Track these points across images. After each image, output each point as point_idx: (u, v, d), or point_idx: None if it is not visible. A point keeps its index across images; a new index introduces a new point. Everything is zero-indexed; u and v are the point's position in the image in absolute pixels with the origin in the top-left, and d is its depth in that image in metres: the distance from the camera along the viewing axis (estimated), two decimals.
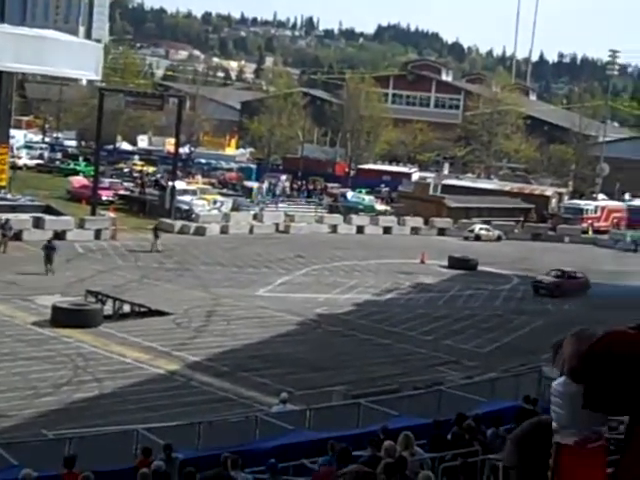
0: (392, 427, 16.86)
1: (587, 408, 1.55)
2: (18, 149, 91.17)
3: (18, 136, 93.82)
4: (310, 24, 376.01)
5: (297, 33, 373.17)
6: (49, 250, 44.03)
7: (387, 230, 69.72)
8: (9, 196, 59.22)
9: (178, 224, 57.81)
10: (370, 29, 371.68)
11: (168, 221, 57.68)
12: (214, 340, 33.79)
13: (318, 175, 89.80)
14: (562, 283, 49.08)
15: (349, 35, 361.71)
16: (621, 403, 1.56)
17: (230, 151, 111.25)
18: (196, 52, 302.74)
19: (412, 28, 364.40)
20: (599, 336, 1.50)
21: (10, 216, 51.02)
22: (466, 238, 67.43)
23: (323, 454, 16.06)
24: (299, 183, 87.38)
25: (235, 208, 68.16)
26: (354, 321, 38.69)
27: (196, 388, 28.02)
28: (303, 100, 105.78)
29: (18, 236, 49.55)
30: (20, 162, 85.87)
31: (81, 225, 54.92)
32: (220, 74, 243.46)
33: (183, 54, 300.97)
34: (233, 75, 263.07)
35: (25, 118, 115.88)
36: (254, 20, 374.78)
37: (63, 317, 33.79)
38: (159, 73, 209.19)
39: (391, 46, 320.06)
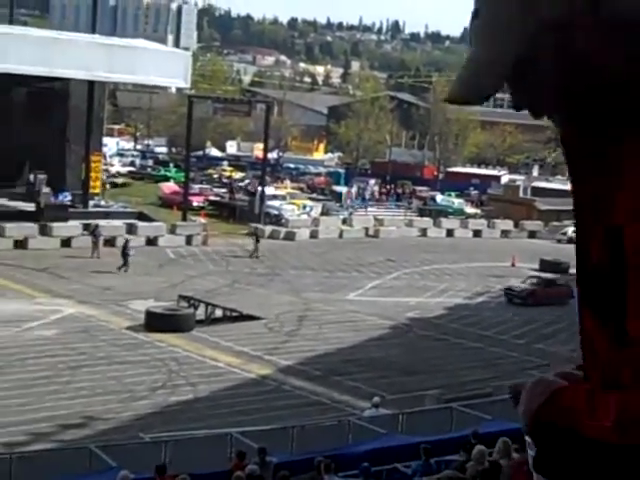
0: (483, 431, 16.78)
1: (537, 472, 1.44)
2: (111, 157, 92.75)
3: (110, 144, 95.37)
4: (396, 28, 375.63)
5: (383, 37, 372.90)
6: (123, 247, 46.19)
7: (477, 233, 69.31)
8: (103, 203, 60.25)
9: (268, 229, 58.18)
10: (456, 32, 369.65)
11: (258, 226, 58.05)
12: (306, 344, 33.93)
13: (406, 179, 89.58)
14: (536, 291, 45.47)
15: (435, 38, 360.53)
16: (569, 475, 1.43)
17: (318, 156, 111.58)
18: (283, 58, 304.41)
19: None
20: (547, 396, 1.38)
21: (103, 222, 51.92)
22: (559, 241, 66.63)
23: (416, 458, 16.09)
24: (388, 187, 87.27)
25: (324, 213, 68.35)
26: (445, 325, 38.55)
27: (288, 392, 28.17)
28: (390, 104, 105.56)
29: (112, 242, 50.31)
30: (112, 169, 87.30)
31: (172, 231, 55.63)
32: (307, 79, 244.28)
33: (270, 60, 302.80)
34: (320, 80, 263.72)
35: (117, 126, 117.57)
36: (340, 25, 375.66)
37: (156, 322, 34.28)
38: (246, 79, 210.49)
39: None
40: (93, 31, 65.48)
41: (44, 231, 51.37)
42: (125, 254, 46.34)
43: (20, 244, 49.90)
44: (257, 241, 52.24)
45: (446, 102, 1.35)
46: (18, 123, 61.82)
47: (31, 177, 59.80)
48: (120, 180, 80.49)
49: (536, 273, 49.81)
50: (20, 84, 59.57)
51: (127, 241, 48.45)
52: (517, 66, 1.20)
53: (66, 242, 50.80)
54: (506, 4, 1.21)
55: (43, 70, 51.81)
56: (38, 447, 21.92)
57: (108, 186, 66.10)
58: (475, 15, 1.24)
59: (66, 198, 58.21)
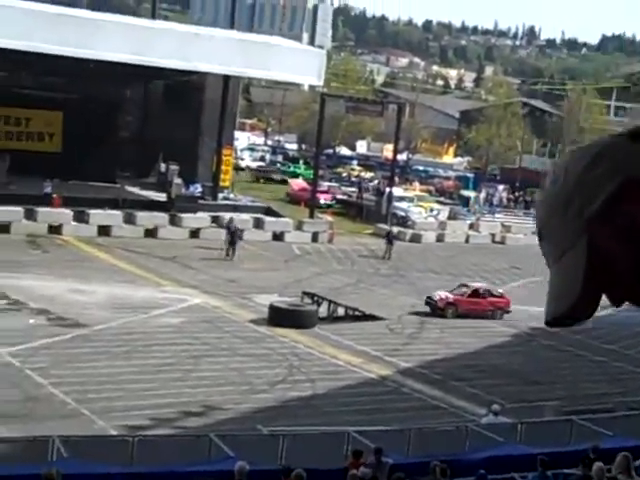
0: (603, 447, 16.52)
1: None
2: (241, 151, 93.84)
3: (242, 139, 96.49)
4: (532, 33, 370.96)
5: (518, 42, 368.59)
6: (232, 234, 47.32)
7: None
8: (232, 196, 61.07)
9: (394, 230, 58.13)
10: (594, 39, 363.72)
11: (384, 227, 58.09)
12: (427, 347, 33.89)
13: (536, 186, 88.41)
14: (459, 302, 39.95)
15: (571, 45, 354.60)
16: None
17: (447, 159, 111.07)
18: (416, 60, 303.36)
19: (638, 38, 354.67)
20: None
21: (232, 216, 52.58)
22: None
23: (533, 469, 15.92)
24: (516, 194, 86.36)
25: (451, 217, 68.01)
26: (569, 336, 37.91)
27: (407, 394, 28.17)
28: (523, 110, 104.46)
29: (239, 236, 50.98)
30: (243, 164, 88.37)
31: (299, 227, 56.06)
32: (439, 82, 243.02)
33: (403, 61, 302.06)
34: (452, 83, 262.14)
35: (249, 121, 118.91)
36: (475, 29, 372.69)
37: (280, 317, 34.59)
38: (379, 80, 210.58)
39: (615, 57, 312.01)
40: (231, 27, 66.46)
41: (174, 221, 52.37)
42: (232, 241, 47.46)
43: (150, 233, 51.00)
44: (390, 243, 52.25)
45: (547, 325, 1.55)
46: (154, 115, 63.27)
47: (163, 168, 60.95)
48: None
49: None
50: (157, 77, 60.86)
51: (231, 219, 49.65)
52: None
53: (194, 233, 51.69)
54: (559, 228, 1.49)
55: (181, 64, 52.77)
56: (159, 432, 22.39)
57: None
58: (540, 237, 1.50)
59: (197, 190, 59.20)
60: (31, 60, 50.04)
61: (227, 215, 52.57)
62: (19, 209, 48.62)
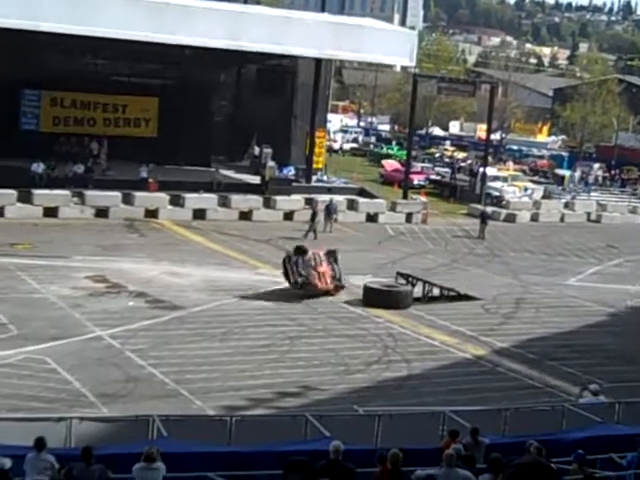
0: None
1: None
2: (334, 133, 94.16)
3: (334, 120, 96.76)
4: (627, 8, 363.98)
5: (613, 18, 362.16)
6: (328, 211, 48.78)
7: None
8: (325, 178, 61.34)
9: (488, 210, 57.78)
10: None
11: (478, 207, 57.77)
12: (522, 327, 33.60)
13: (632, 164, 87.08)
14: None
15: None
16: None
17: (541, 138, 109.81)
18: (509, 38, 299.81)
19: None
20: None
21: (325, 197, 52.84)
22: None
23: (631, 450, 15.78)
24: (612, 172, 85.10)
25: (546, 196, 67.33)
26: None
27: (502, 374, 28.00)
28: (618, 87, 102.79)
29: (335, 214, 51.10)
30: (336, 145, 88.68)
31: (393, 208, 56.04)
32: (532, 60, 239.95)
33: (495, 40, 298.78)
34: (546, 61, 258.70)
35: (341, 103, 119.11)
36: (568, 5, 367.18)
37: (374, 297, 34.59)
38: (471, 59, 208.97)
39: None
40: (322, 10, 66.62)
41: (268, 204, 52.74)
42: (329, 217, 48.74)
43: (245, 216, 51.45)
44: (484, 222, 51.95)
45: None
46: (246, 99, 63.87)
47: (257, 151, 61.47)
48: None
49: None
50: (250, 61, 61.36)
51: (331, 201, 50.16)
52: None
53: (288, 215, 51.98)
54: None
55: (274, 48, 53.01)
56: (256, 412, 22.64)
57: None
58: None
59: (290, 172, 59.56)
60: (128, 48, 50.83)
61: (321, 197, 52.89)
62: (117, 194, 49.49)
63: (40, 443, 14.01)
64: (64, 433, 17.34)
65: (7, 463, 12.89)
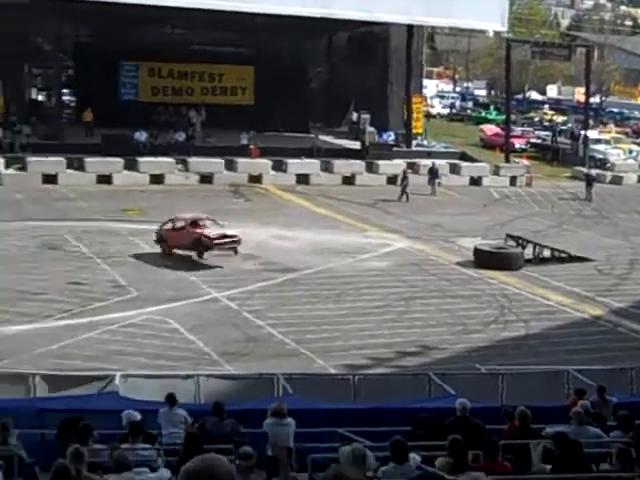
0: None
1: None
2: (431, 98, 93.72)
3: (430, 86, 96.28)
4: None
5: None
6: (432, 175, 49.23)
7: None
8: (425, 143, 60.90)
9: (593, 173, 56.78)
10: None
11: (582, 169, 56.79)
12: (638, 288, 32.96)
13: None
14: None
15: None
16: None
17: None
18: (602, 1, 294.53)
19: None
20: None
21: (427, 162, 52.48)
22: None
23: None
24: None
25: None
26: None
27: (623, 334, 27.51)
28: None
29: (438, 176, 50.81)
30: (433, 111, 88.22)
31: (496, 172, 55.35)
32: (628, 23, 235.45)
33: (589, 3, 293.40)
34: None
35: (435, 69, 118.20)
36: None
37: (485, 259, 34.28)
38: (564, 23, 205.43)
39: None
40: None
41: (370, 168, 52.51)
42: (432, 180, 49.20)
43: (348, 180, 51.29)
44: (589, 185, 51.04)
45: None
46: (340, 66, 63.83)
47: (355, 117, 61.30)
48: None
49: None
50: (341, 29, 61.19)
51: (433, 164, 50.53)
52: None
53: (391, 180, 51.64)
54: None
55: (365, 15, 52.58)
56: (378, 371, 22.54)
57: None
58: None
59: (390, 137, 59.25)
60: (222, 18, 50.86)
61: (423, 162, 52.59)
62: (220, 160, 49.68)
63: (172, 399, 14.35)
64: (193, 389, 17.52)
65: (137, 415, 13.06)
